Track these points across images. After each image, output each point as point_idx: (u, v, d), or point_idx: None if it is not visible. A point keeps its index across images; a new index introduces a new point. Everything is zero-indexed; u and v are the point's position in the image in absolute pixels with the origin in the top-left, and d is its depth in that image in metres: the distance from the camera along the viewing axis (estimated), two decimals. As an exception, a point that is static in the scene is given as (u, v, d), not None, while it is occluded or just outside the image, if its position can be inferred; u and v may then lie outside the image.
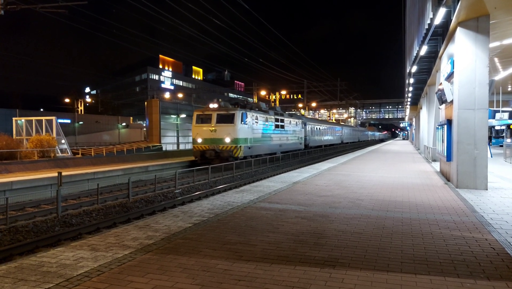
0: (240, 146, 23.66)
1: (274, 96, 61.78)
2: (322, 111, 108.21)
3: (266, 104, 32.83)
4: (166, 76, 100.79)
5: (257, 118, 26.54)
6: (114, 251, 5.35)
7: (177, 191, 14.98)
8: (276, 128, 30.42)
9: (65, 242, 8.56)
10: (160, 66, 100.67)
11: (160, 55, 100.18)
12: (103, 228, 9.77)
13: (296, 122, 36.16)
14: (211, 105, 24.83)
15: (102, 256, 5.11)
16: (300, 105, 78.38)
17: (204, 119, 24.62)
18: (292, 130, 34.53)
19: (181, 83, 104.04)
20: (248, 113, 25.13)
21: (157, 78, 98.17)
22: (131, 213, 11.32)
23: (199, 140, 24.31)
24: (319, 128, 47.64)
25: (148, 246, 5.56)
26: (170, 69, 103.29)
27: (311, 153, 38.61)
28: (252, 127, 25.67)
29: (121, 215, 11.06)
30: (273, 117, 29.77)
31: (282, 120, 31.80)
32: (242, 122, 24.13)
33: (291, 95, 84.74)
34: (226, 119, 23.99)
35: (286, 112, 38.57)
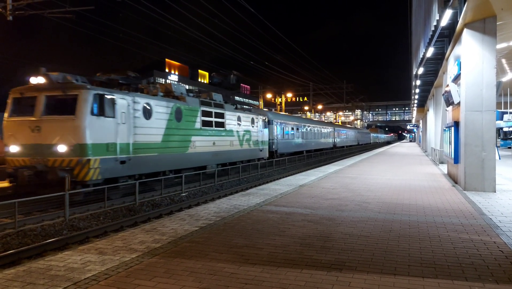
0: (91, 160, 11.97)
1: (280, 99, 61.80)
2: (328, 113, 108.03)
3: (194, 90, 20.86)
4: (172, 80, 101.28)
5: (148, 109, 14.48)
6: (121, 254, 5.38)
7: (183, 194, 15.01)
8: (206, 127, 18.41)
9: (72, 245, 8.60)
10: (167, 70, 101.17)
11: (167, 59, 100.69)
12: (110, 232, 9.81)
13: (253, 120, 23.92)
14: (33, 80, 12.71)
15: (109, 260, 5.14)
16: (306, 108, 78.32)
17: (24, 107, 12.74)
18: (242, 131, 22.31)
19: (187, 86, 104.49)
20: (117, 97, 13.12)
21: (163, 82, 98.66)
22: (138, 216, 11.35)
23: (13, 148, 12.49)
24: (297, 128, 35.11)
25: (155, 250, 5.58)
26: (177, 73, 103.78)
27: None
28: (135, 124, 13.79)
29: (128, 218, 11.09)
30: (197, 109, 17.75)
31: (219, 115, 19.73)
32: (100, 114, 12.47)
33: (297, 98, 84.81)
34: (62, 107, 12.32)
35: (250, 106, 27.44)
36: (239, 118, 22.05)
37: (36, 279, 4.48)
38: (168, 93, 17.24)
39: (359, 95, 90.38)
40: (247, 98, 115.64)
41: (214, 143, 19.19)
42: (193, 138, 17.48)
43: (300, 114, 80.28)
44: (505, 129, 41.16)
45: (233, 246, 5.74)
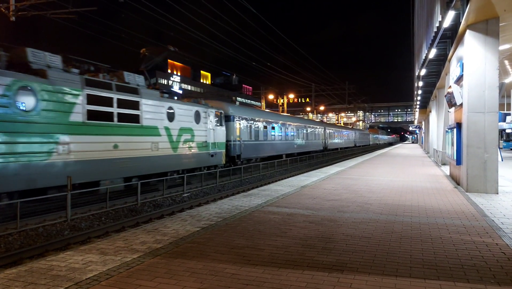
0: None
1: (282, 100, 61.77)
2: (330, 114, 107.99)
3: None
4: (174, 81, 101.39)
5: None
6: (122, 254, 5.38)
7: (185, 195, 15.02)
8: (97, 122, 12.36)
9: (74, 245, 8.62)
10: (169, 71, 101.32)
11: (169, 60, 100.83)
12: (112, 232, 9.83)
13: (198, 114, 17.96)
14: None
15: (111, 260, 5.15)
16: (308, 109, 78.27)
17: None
18: (177, 130, 16.28)
19: (189, 87, 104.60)
20: None
21: (165, 83, 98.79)
22: (139, 217, 11.37)
23: None
24: (272, 127, 28.48)
25: (157, 250, 5.58)
26: (179, 73, 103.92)
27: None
28: None
29: (130, 218, 11.12)
30: (75, 92, 11.69)
31: (128, 104, 13.58)
32: None
33: (299, 99, 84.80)
34: None
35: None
36: (170, 110, 15.89)
37: (37, 279, 4.49)
38: (20, 64, 10.87)
39: (361, 97, 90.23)
40: (249, 99, 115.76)
41: (116, 146, 12.93)
42: (63, 138, 11.24)
43: (302, 115, 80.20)
44: (507, 130, 41.02)
45: (234, 247, 5.74)
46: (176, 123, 16.22)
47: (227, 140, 21.36)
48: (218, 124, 19.74)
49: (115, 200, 12.96)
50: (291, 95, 66.00)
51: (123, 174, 13.34)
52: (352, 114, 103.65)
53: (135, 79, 14.57)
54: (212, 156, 18.96)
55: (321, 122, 49.61)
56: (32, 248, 8.16)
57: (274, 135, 29.02)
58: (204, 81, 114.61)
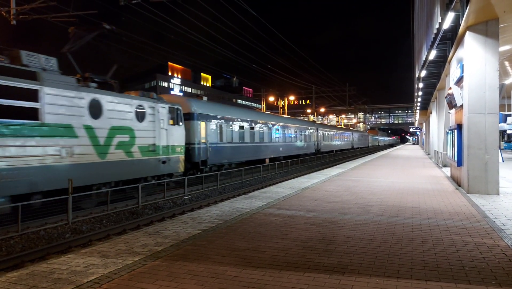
0: None
1: (282, 102, 61.78)
2: (331, 116, 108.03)
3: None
4: (175, 83, 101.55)
5: None
6: (124, 257, 5.39)
7: (186, 197, 15.02)
8: None
9: (75, 248, 8.63)
10: (169, 74, 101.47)
11: (169, 63, 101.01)
12: (113, 235, 9.83)
13: (141, 108, 13.96)
14: None
15: (112, 263, 5.15)
16: (309, 110, 78.28)
17: None
18: (107, 129, 12.34)
19: (190, 90, 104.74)
20: None
21: (166, 86, 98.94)
22: (140, 219, 11.37)
23: None
24: (250, 127, 24.33)
25: (158, 253, 5.59)
26: (179, 76, 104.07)
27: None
28: None
29: (131, 221, 11.12)
30: None
31: (18, 94, 9.65)
32: None
33: (300, 101, 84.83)
34: None
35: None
36: (95, 104, 11.97)
37: (39, 282, 4.50)
38: None
39: (362, 98, 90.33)
40: (250, 101, 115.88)
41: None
42: None
43: (302, 117, 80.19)
44: (508, 132, 41.02)
45: (235, 249, 5.74)
46: (105, 121, 12.31)
47: (188, 143, 17.63)
48: (173, 123, 15.85)
49: (116, 202, 12.97)
50: (292, 97, 65.95)
51: (4, 192, 9.44)
52: (353, 116, 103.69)
53: (41, 62, 10.83)
54: (163, 162, 15.09)
55: (313, 123, 45.11)
56: (34, 251, 8.16)
57: (254, 136, 24.71)
58: (205, 84, 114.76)
